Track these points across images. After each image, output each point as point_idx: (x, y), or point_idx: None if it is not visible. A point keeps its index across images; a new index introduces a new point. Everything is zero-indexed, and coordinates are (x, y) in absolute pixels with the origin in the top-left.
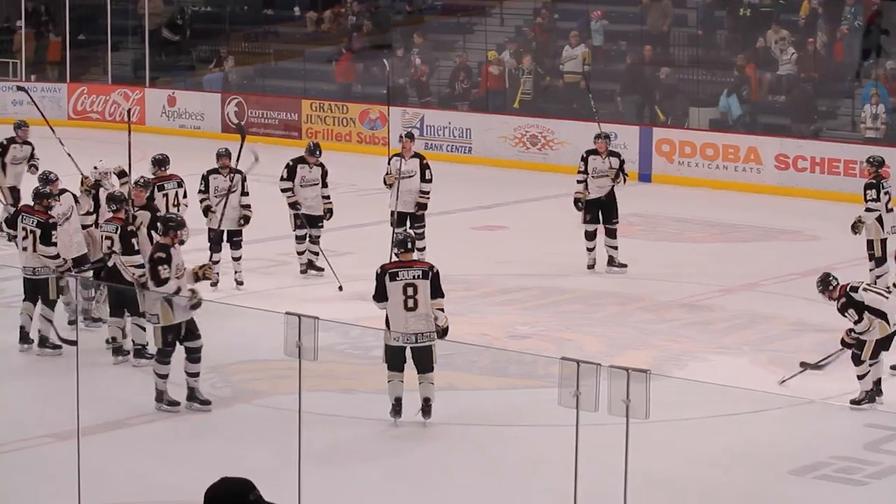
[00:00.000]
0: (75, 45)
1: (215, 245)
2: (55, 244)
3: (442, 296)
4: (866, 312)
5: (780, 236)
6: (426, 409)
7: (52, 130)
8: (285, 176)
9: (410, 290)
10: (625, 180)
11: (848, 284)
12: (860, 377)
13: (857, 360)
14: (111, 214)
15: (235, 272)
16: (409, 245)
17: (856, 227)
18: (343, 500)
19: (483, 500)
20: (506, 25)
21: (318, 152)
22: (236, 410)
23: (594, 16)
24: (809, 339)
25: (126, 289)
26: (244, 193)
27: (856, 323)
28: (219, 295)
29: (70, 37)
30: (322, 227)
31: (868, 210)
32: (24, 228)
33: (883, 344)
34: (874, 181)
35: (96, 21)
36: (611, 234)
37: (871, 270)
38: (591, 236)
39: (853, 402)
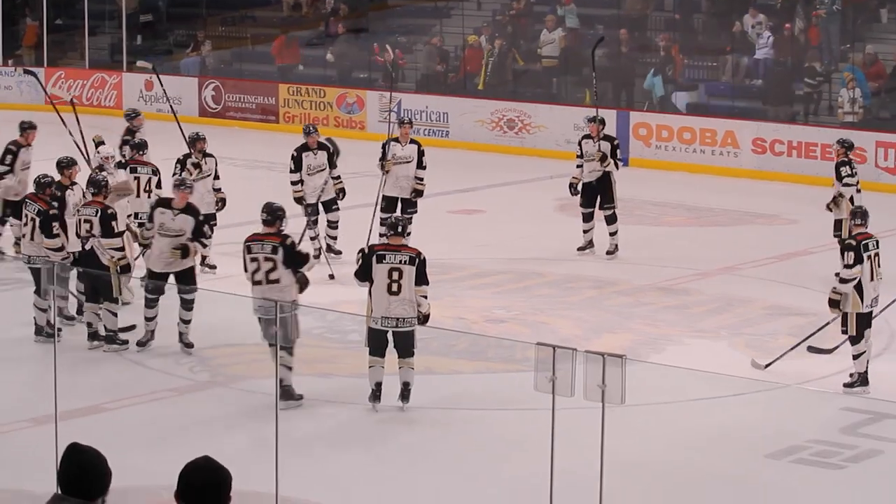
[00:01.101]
0: (52, 30)
1: None
2: (57, 235)
3: (426, 283)
4: (859, 266)
5: (757, 220)
6: (405, 393)
7: (60, 117)
8: (293, 168)
9: (396, 275)
10: (617, 165)
11: (862, 237)
12: (855, 357)
13: (852, 339)
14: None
15: (204, 256)
16: (400, 229)
17: (836, 201)
18: (321, 484)
19: (460, 483)
20: (482, 9)
21: (315, 131)
22: (213, 394)
23: (565, 1)
24: (786, 323)
25: (101, 274)
26: (216, 177)
27: (847, 266)
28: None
29: (47, 21)
30: (337, 208)
31: (846, 185)
32: (25, 215)
33: (867, 322)
34: (847, 160)
35: (73, 5)
36: (607, 219)
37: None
38: (586, 218)
39: (846, 385)
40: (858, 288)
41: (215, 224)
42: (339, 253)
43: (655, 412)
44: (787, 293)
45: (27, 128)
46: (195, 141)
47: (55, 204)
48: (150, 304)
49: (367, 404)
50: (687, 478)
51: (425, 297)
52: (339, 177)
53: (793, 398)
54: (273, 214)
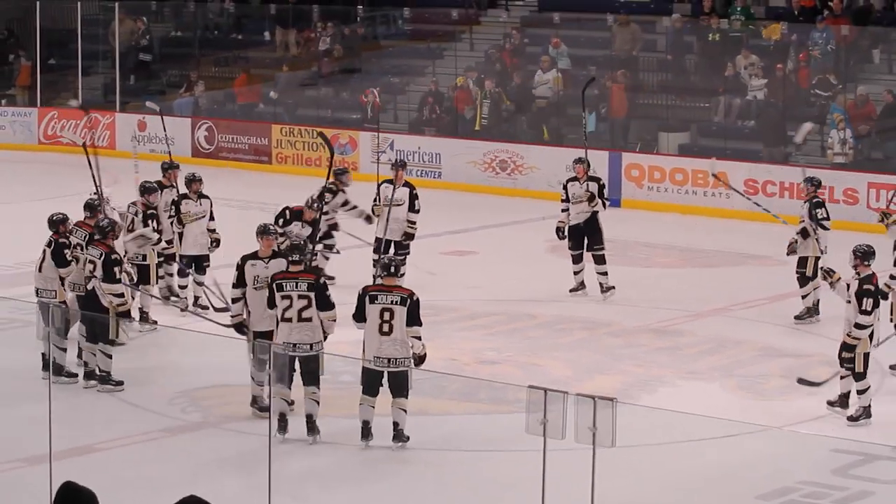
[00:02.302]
0: (45, 70)
1: (182, 272)
2: (70, 262)
3: (419, 324)
4: (876, 311)
5: (749, 261)
6: (396, 434)
7: (89, 161)
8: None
9: (387, 315)
10: (604, 205)
11: (876, 280)
12: (860, 392)
13: (857, 376)
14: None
15: (196, 297)
16: (393, 269)
17: (803, 233)
18: None
19: None
20: (475, 51)
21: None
22: (206, 434)
23: (553, 43)
24: (778, 365)
25: (99, 316)
26: (211, 218)
27: (865, 313)
28: (188, 319)
29: (40, 61)
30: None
31: (822, 227)
32: (43, 250)
33: (869, 360)
34: (821, 200)
35: (66, 45)
36: (596, 260)
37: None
38: (575, 260)
39: (851, 418)
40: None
41: (208, 265)
42: (333, 278)
43: (647, 454)
44: (780, 334)
45: (168, 168)
46: (191, 182)
47: (68, 236)
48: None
49: (360, 445)
50: None
51: (419, 338)
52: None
53: (784, 440)
54: (302, 252)
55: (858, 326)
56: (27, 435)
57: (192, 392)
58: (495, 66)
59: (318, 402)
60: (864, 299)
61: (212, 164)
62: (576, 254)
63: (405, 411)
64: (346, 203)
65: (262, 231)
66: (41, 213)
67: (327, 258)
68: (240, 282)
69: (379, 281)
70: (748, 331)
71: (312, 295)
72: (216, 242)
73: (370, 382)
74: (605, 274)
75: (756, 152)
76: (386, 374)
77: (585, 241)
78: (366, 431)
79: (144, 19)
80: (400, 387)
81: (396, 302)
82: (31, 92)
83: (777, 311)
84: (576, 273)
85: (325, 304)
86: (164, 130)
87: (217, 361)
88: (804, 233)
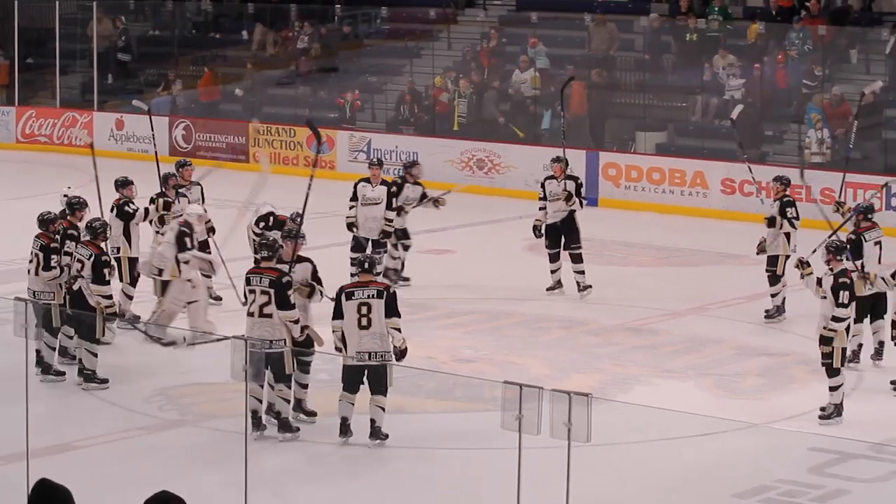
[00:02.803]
0: (23, 69)
1: None
2: (54, 268)
3: (398, 315)
4: (853, 304)
5: (726, 260)
6: (372, 430)
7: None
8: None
9: (364, 309)
10: (581, 205)
11: (854, 273)
12: (833, 388)
13: (830, 371)
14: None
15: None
16: (367, 266)
17: (762, 246)
18: None
19: None
20: (453, 49)
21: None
22: (183, 432)
23: (531, 43)
24: (755, 364)
25: (86, 314)
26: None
27: (842, 306)
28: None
29: (18, 60)
30: None
31: (792, 225)
32: (31, 251)
33: (846, 356)
34: (791, 199)
35: (44, 44)
36: (573, 258)
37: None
38: (552, 259)
39: (823, 416)
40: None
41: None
42: None
43: (624, 452)
44: (756, 333)
45: (182, 165)
46: (181, 166)
47: (58, 238)
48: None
49: (336, 442)
50: None
51: (398, 330)
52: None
53: (761, 438)
54: (272, 249)
55: (835, 319)
56: (4, 433)
57: (169, 390)
58: (471, 65)
59: (286, 400)
60: (841, 293)
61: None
62: (553, 252)
63: (383, 409)
64: (424, 196)
65: (287, 235)
66: (19, 211)
67: (395, 258)
68: None
69: (355, 278)
70: (725, 329)
71: (273, 292)
72: (210, 230)
73: (351, 379)
74: (583, 273)
75: (733, 152)
76: (366, 371)
77: (563, 240)
78: (344, 428)
79: (123, 18)
80: (379, 383)
81: (373, 295)
82: (10, 91)
83: (754, 310)
84: (553, 272)
85: (284, 303)
86: (152, 129)
87: (194, 359)
88: (771, 221)
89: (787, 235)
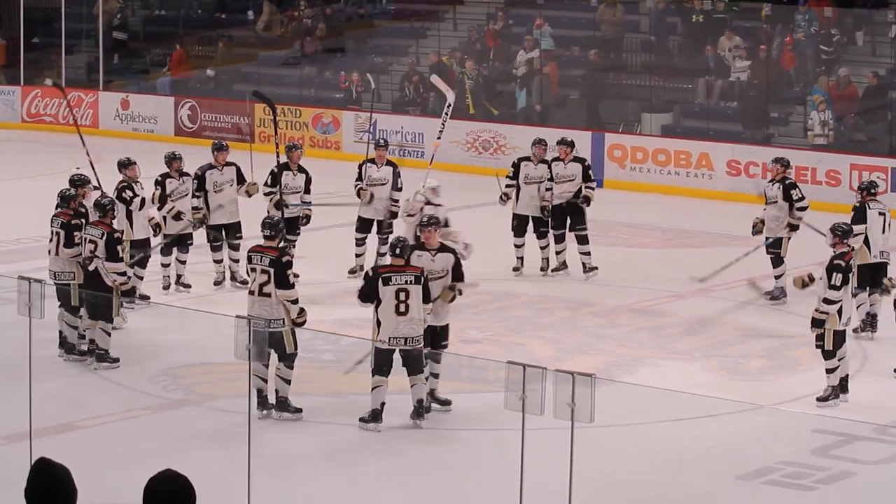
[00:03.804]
0: (29, 49)
1: (166, 249)
2: (78, 244)
3: (430, 300)
4: (845, 287)
5: (731, 242)
6: (419, 411)
7: (82, 139)
8: (269, 182)
9: (403, 295)
10: (592, 189)
11: (848, 257)
12: (829, 371)
13: (825, 354)
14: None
15: (179, 275)
16: (399, 251)
17: (758, 227)
18: (293, 502)
19: (431, 502)
20: (458, 30)
21: (298, 148)
22: (187, 412)
23: (537, 25)
24: (759, 345)
25: (102, 295)
26: (195, 196)
27: (834, 288)
28: (170, 298)
29: (24, 40)
30: (298, 233)
31: (801, 208)
32: (52, 230)
33: (842, 338)
34: (793, 180)
35: (50, 24)
36: (580, 240)
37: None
38: (558, 239)
39: (820, 399)
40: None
41: (191, 243)
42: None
43: (627, 432)
44: (761, 315)
45: (217, 149)
46: (172, 160)
47: (82, 212)
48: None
49: (340, 423)
50: (658, 498)
51: (452, 298)
52: (310, 203)
53: (765, 419)
54: (274, 229)
55: (827, 301)
56: (8, 412)
57: (174, 370)
58: (476, 46)
59: (284, 380)
60: (834, 274)
61: (195, 142)
62: (558, 233)
63: (426, 385)
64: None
65: (426, 223)
66: (24, 191)
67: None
68: None
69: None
70: (730, 311)
71: (272, 271)
72: (199, 222)
73: (383, 363)
74: (588, 254)
75: (738, 133)
76: (399, 354)
77: (568, 222)
78: (379, 414)
79: None
80: (416, 364)
81: (410, 281)
82: (14, 70)
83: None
84: (558, 253)
85: (283, 282)
86: (69, 107)
87: (199, 339)
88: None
89: (791, 211)
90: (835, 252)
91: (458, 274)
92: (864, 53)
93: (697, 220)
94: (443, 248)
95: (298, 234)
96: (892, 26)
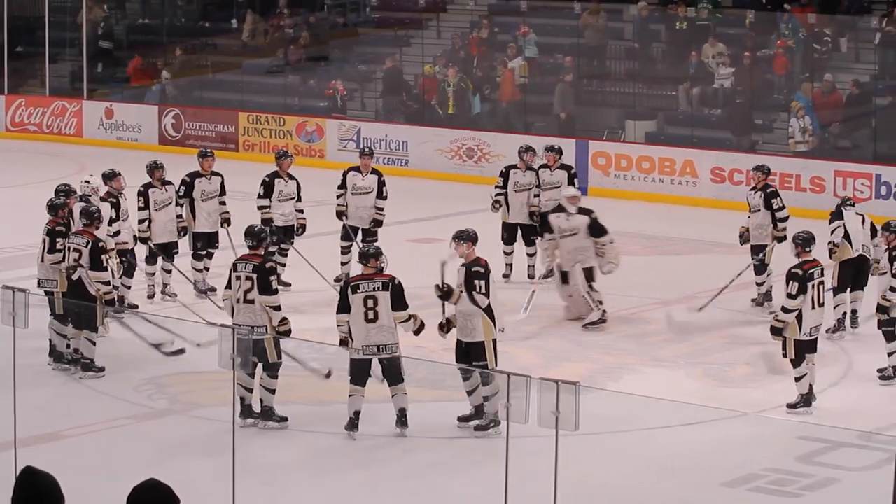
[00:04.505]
0: (12, 57)
1: (152, 258)
2: (60, 251)
3: (405, 308)
4: (802, 296)
5: (715, 249)
6: (401, 419)
7: None
8: (262, 193)
9: (371, 302)
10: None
11: (808, 266)
12: (797, 379)
13: (792, 363)
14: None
15: (165, 284)
16: (368, 259)
17: (745, 236)
18: None
19: None
20: (442, 38)
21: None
22: (172, 421)
23: (522, 32)
24: (744, 353)
25: (86, 305)
26: (178, 204)
27: (790, 297)
28: (155, 307)
29: (8, 48)
30: (293, 242)
31: (781, 218)
32: (42, 239)
33: (808, 347)
34: (774, 189)
35: (34, 33)
36: None
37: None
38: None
39: (790, 405)
40: (799, 316)
41: (177, 252)
42: (288, 285)
43: (612, 440)
44: (746, 323)
45: (202, 156)
46: (154, 169)
47: (64, 223)
48: None
49: (323, 431)
50: None
51: (407, 320)
52: (302, 210)
53: (750, 426)
54: (256, 238)
55: (784, 310)
56: None
57: (158, 379)
58: (460, 53)
59: (269, 390)
60: (791, 282)
61: (179, 151)
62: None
63: (406, 394)
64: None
65: (460, 237)
66: (8, 200)
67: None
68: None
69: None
70: (714, 319)
71: (255, 277)
72: (183, 231)
73: (358, 372)
74: None
75: (723, 140)
76: (378, 364)
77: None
78: (354, 422)
79: (105, 7)
80: (395, 374)
81: (378, 288)
82: None
83: (743, 299)
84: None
85: (266, 288)
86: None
87: (184, 348)
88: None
89: (775, 224)
90: (799, 260)
91: (595, 229)
92: (848, 59)
93: (682, 227)
94: (581, 212)
95: (292, 242)
96: (877, 33)
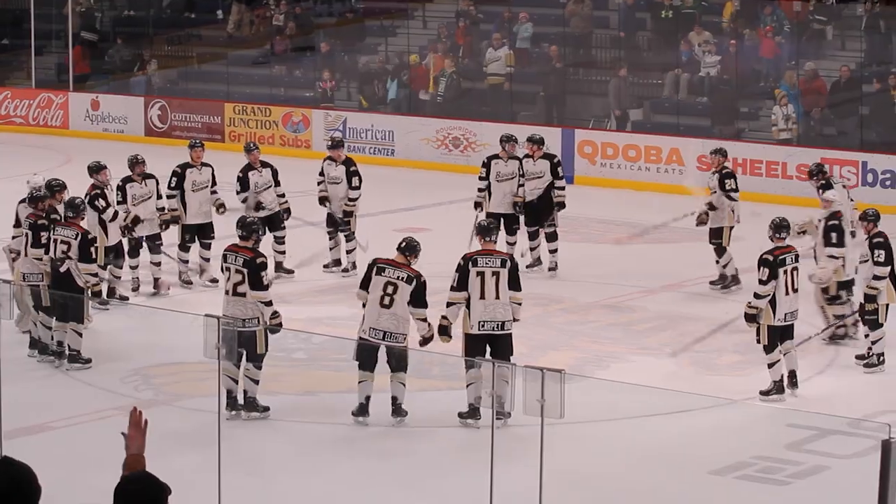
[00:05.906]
0: None
1: (134, 251)
2: (44, 246)
3: (424, 306)
4: (773, 282)
5: (701, 237)
6: (394, 408)
7: None
8: (240, 189)
9: (390, 289)
10: (562, 188)
11: (780, 252)
12: (770, 366)
13: (764, 349)
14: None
15: (156, 278)
16: (404, 248)
17: (709, 212)
18: (265, 501)
19: (402, 500)
20: (428, 28)
21: (256, 148)
22: (157, 412)
23: (522, 17)
24: (731, 340)
25: (73, 296)
26: (159, 197)
27: (761, 282)
28: (140, 298)
29: None
30: (284, 227)
31: (730, 198)
32: (23, 232)
33: (782, 333)
34: (731, 171)
35: (19, 25)
36: (548, 237)
37: (717, 262)
38: (531, 236)
39: (762, 392)
40: (772, 301)
41: (161, 243)
42: (292, 272)
43: (599, 428)
44: (733, 310)
45: (192, 146)
46: (134, 164)
47: (47, 216)
48: None
49: (311, 421)
50: (631, 494)
51: (423, 321)
52: (283, 195)
53: (737, 414)
54: (248, 229)
55: (756, 296)
56: None
57: (144, 370)
58: (446, 43)
59: (253, 380)
60: (762, 268)
61: (165, 142)
62: (531, 230)
63: (404, 385)
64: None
65: (482, 230)
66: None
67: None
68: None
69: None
70: (701, 307)
71: (246, 272)
72: (166, 224)
73: (366, 358)
74: (555, 251)
75: (708, 128)
76: (384, 350)
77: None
78: (365, 407)
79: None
80: (398, 361)
81: (402, 279)
82: None
83: (730, 286)
84: (532, 249)
85: (257, 284)
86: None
87: (169, 339)
88: (711, 205)
89: (733, 209)
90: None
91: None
92: (833, 47)
93: (668, 215)
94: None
95: (283, 228)
96: (863, 19)
